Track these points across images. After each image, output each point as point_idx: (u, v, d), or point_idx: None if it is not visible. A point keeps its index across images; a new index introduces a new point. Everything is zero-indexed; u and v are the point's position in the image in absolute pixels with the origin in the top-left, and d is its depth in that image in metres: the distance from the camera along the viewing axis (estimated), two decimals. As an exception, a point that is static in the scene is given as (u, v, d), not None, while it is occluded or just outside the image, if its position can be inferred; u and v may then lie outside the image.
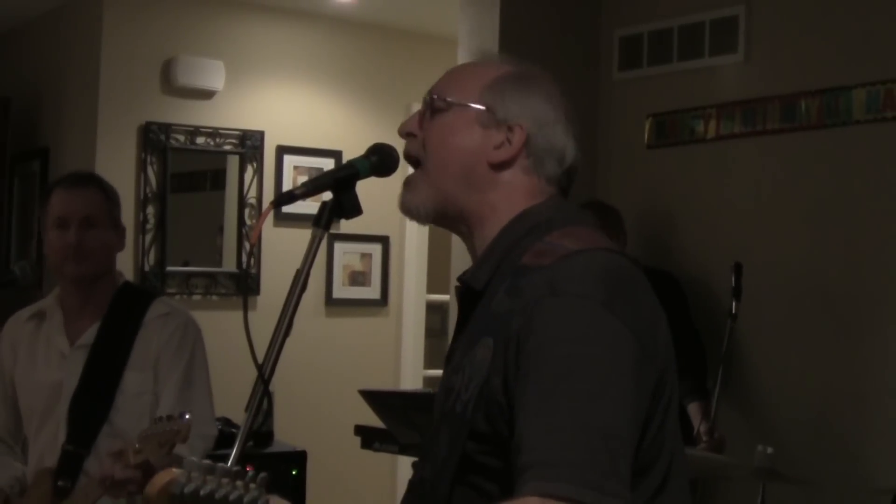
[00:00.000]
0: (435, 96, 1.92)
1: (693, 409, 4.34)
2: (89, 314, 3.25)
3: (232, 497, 1.49)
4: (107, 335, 3.21)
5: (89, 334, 3.22)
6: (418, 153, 1.92)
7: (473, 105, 1.89)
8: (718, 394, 4.25)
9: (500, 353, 1.70)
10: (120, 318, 3.24)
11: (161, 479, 1.50)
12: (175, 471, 1.50)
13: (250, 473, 1.53)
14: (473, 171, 1.88)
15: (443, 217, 1.93)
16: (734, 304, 4.34)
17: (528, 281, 1.73)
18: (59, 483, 3.08)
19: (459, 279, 1.91)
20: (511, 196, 1.88)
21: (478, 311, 1.84)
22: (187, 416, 2.73)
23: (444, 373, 1.93)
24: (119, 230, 3.31)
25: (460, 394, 1.77)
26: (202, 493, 1.47)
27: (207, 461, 1.52)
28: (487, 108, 1.88)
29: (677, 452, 1.80)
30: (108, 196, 3.30)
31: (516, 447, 1.61)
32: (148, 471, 2.79)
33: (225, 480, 1.50)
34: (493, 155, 1.87)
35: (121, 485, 2.74)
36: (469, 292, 1.88)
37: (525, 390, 1.64)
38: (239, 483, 1.51)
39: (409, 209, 1.92)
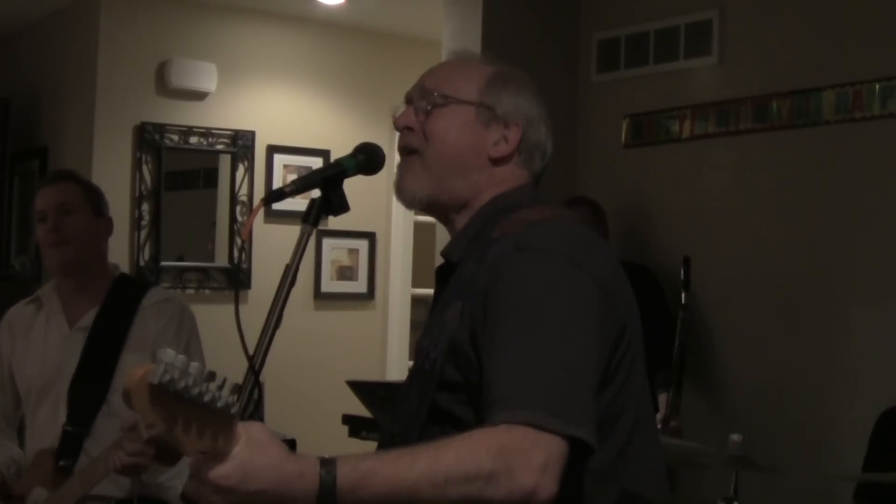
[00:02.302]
0: (435, 93, 1.98)
1: (663, 400, 4.44)
2: (87, 301, 3.30)
3: (205, 398, 1.50)
4: (105, 319, 3.26)
5: (88, 318, 3.27)
6: (419, 145, 1.97)
7: (474, 102, 1.97)
8: (675, 383, 4.36)
9: (467, 310, 1.78)
10: (118, 303, 3.29)
11: (138, 370, 1.48)
12: (152, 364, 1.48)
13: (221, 378, 1.54)
14: (471, 164, 1.96)
15: (434, 203, 1.99)
16: (683, 294, 4.48)
17: (495, 246, 1.82)
18: (61, 463, 3.12)
19: (442, 253, 1.99)
20: (500, 187, 1.97)
21: (451, 280, 1.92)
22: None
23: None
24: (103, 218, 3.36)
25: (430, 353, 1.84)
26: (178, 385, 1.47)
27: (182, 356, 1.49)
28: (488, 106, 1.96)
29: (644, 413, 1.87)
30: (84, 186, 3.37)
31: (485, 388, 1.66)
32: (161, 446, 2.77)
33: (199, 380, 1.49)
34: (493, 150, 1.96)
35: (131, 466, 2.78)
36: (446, 266, 1.96)
37: (493, 336, 1.70)
38: (212, 385, 1.51)
39: (403, 192, 1.98)
